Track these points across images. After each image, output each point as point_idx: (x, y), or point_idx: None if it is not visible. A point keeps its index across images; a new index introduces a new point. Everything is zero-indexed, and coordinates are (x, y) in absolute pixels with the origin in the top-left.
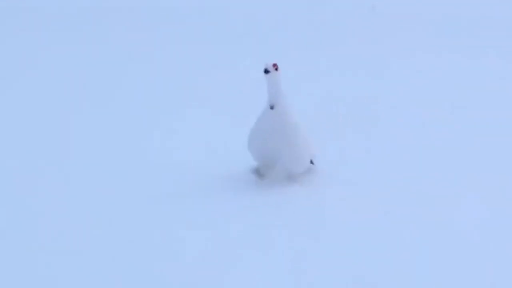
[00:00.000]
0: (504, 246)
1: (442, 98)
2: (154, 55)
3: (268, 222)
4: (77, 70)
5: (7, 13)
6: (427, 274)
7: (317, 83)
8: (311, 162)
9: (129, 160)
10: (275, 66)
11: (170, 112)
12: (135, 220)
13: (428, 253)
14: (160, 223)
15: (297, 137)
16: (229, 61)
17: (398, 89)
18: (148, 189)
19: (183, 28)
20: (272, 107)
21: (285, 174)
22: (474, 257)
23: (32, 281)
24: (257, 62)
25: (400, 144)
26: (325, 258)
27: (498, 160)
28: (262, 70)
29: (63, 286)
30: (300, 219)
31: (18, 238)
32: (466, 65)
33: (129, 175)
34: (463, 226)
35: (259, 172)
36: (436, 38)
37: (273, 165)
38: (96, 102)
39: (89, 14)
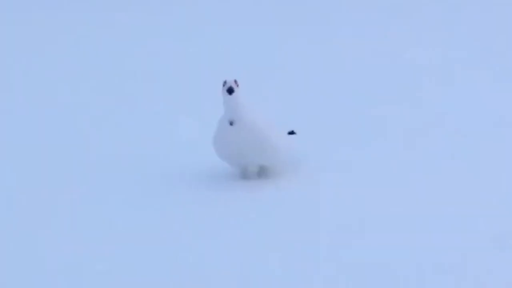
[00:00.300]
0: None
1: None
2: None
3: (264, 219)
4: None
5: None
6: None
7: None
8: (293, 132)
9: (125, 163)
10: (236, 83)
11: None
12: (134, 221)
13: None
14: (158, 225)
15: (272, 148)
16: None
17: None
18: (145, 192)
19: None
20: (231, 123)
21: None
22: (475, 244)
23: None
24: None
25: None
26: (323, 252)
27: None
28: (224, 89)
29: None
30: (296, 216)
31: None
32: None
33: (125, 176)
34: (462, 215)
35: (244, 174)
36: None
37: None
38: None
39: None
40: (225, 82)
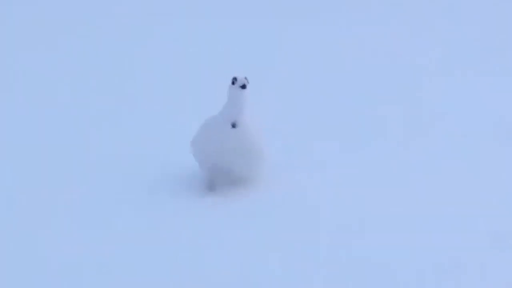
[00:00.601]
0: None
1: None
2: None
3: (264, 219)
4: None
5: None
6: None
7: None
8: (233, 125)
9: (125, 163)
10: (247, 80)
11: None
12: (134, 221)
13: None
14: (158, 225)
15: (261, 155)
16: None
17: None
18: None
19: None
20: (234, 126)
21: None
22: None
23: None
24: None
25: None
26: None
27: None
28: (237, 85)
29: None
30: (296, 216)
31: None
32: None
33: (125, 176)
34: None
35: (211, 185)
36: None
37: (224, 173)
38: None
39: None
40: (235, 79)
